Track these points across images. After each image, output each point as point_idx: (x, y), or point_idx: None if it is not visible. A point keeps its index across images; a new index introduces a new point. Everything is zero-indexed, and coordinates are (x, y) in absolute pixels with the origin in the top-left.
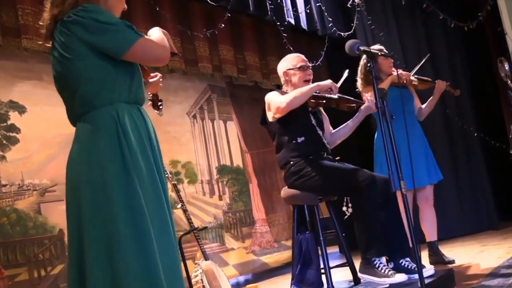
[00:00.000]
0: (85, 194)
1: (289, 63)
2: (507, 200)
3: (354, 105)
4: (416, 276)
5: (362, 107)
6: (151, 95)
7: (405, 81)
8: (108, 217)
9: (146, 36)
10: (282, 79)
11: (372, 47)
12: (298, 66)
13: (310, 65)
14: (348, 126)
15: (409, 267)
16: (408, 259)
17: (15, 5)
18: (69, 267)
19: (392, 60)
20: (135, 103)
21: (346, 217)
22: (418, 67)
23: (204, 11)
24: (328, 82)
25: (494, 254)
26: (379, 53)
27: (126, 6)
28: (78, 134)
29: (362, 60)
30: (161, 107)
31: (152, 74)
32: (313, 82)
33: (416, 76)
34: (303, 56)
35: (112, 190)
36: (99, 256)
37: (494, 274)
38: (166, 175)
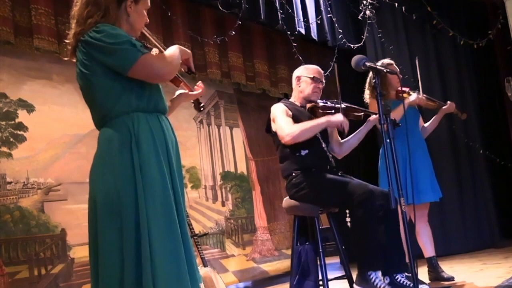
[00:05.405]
0: (99, 203)
1: (305, 70)
2: (510, 218)
3: (361, 114)
4: None
5: (371, 118)
6: (192, 100)
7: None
8: (120, 225)
9: (149, 53)
10: (294, 84)
11: (382, 60)
12: (311, 76)
13: (324, 81)
14: (356, 136)
15: (405, 283)
16: (404, 275)
17: (28, 4)
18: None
19: (401, 76)
20: (155, 111)
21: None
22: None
23: (215, 18)
24: (339, 118)
25: (494, 273)
26: (385, 70)
27: (148, 20)
28: (98, 142)
29: (371, 72)
30: (202, 109)
31: (199, 84)
32: (322, 93)
33: (426, 95)
34: (321, 71)
35: (123, 197)
36: (112, 261)
37: None
38: None
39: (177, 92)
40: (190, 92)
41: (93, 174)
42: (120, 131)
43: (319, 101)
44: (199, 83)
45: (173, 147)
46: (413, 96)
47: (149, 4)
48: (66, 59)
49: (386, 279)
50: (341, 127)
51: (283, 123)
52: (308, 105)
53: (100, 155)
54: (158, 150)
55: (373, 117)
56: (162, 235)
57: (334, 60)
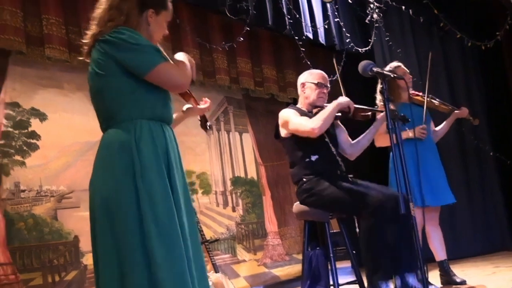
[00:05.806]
0: (97, 204)
1: (309, 76)
2: None
3: (369, 113)
4: None
5: (379, 116)
6: (199, 117)
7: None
8: (118, 228)
9: (171, 62)
10: (299, 90)
11: (390, 64)
12: (315, 82)
13: (329, 86)
14: (367, 136)
15: (415, 287)
16: (415, 277)
17: (40, 14)
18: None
19: (411, 76)
20: (160, 120)
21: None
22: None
23: (223, 24)
24: (346, 99)
25: (506, 276)
26: (391, 75)
27: (167, 32)
28: (99, 146)
29: None
30: (209, 127)
31: (205, 99)
32: (328, 96)
33: (438, 100)
34: (326, 76)
35: (123, 198)
36: (110, 269)
37: None
38: None
39: (185, 107)
40: (198, 106)
41: (93, 177)
42: (121, 135)
43: (325, 105)
44: (205, 98)
45: (175, 155)
46: (408, 133)
47: (170, 17)
48: (80, 58)
49: (397, 281)
50: (347, 108)
51: (302, 121)
52: (315, 110)
53: (101, 157)
54: (158, 156)
55: (381, 114)
56: (164, 240)
57: (342, 64)
